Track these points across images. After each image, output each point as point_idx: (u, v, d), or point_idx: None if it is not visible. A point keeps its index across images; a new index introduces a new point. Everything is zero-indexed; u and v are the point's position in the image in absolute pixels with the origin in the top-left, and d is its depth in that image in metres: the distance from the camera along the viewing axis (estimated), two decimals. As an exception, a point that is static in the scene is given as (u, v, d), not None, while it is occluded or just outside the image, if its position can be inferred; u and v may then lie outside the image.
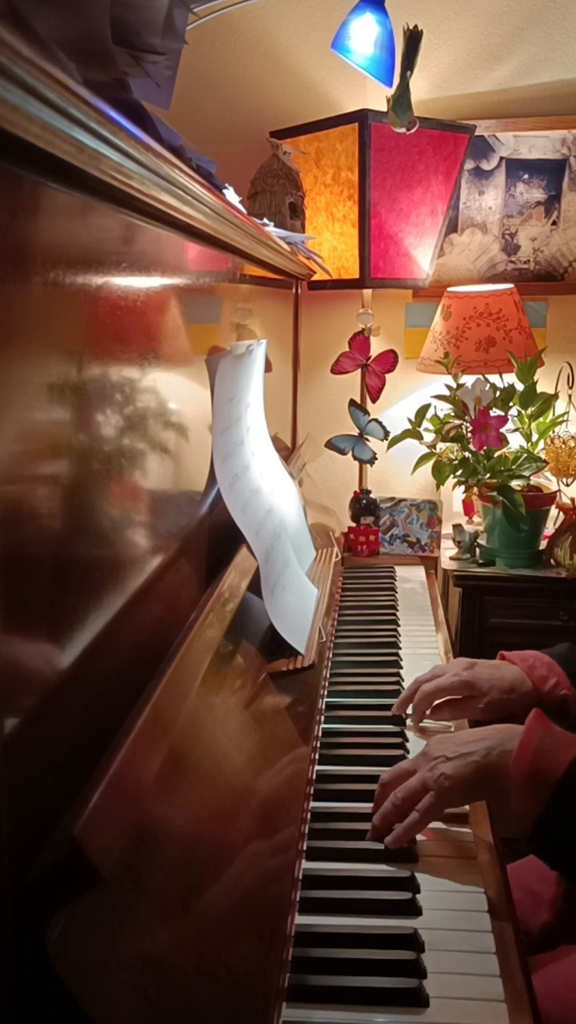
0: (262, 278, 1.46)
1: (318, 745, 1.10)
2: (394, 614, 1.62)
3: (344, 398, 2.08)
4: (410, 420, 1.92)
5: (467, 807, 0.96)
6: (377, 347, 2.06)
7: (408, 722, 1.18)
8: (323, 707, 1.20)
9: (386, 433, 2.01)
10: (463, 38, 2.13)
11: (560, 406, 1.99)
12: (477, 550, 2.07)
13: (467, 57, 2.14)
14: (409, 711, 1.19)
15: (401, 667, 1.37)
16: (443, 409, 1.92)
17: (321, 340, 2.26)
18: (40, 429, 0.49)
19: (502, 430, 1.79)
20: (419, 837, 0.92)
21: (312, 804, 0.98)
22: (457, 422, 1.87)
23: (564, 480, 2.06)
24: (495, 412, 1.81)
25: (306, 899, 0.83)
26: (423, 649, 1.46)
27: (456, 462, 1.86)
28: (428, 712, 1.16)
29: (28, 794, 0.47)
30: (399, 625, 1.56)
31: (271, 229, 1.36)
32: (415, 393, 2.32)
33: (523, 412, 1.93)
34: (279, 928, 0.72)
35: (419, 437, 1.91)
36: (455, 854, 0.90)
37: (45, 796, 0.49)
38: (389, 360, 2.05)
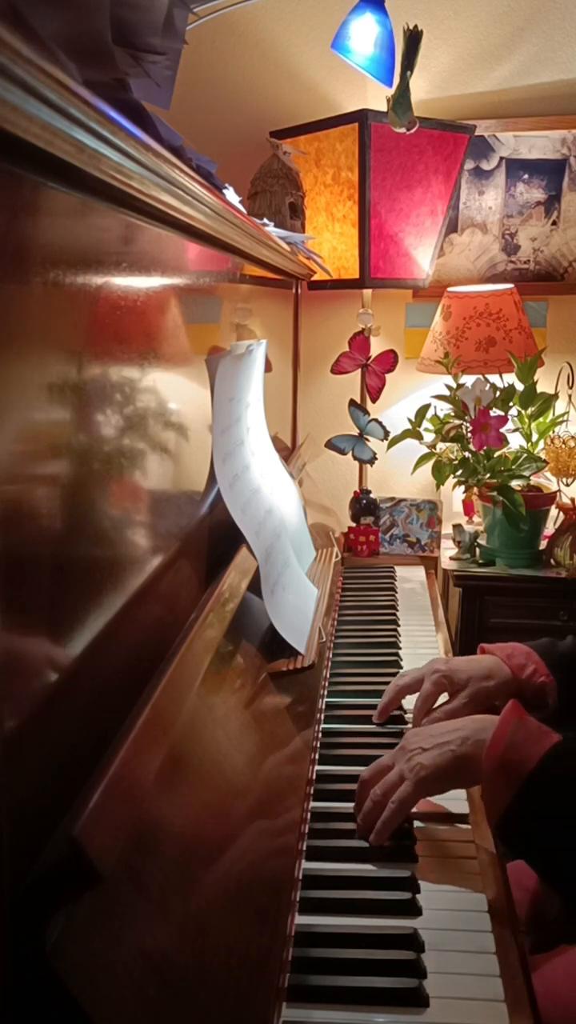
0: (262, 278, 1.46)
1: (318, 745, 1.10)
2: (394, 614, 1.62)
3: (344, 398, 2.08)
4: (410, 420, 1.92)
5: (467, 808, 0.96)
6: (377, 347, 2.06)
7: (409, 724, 1.18)
8: (323, 707, 1.20)
9: (386, 433, 2.01)
10: (463, 38, 2.13)
11: (560, 406, 1.99)
12: (477, 550, 2.07)
13: (467, 57, 2.14)
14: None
15: (401, 667, 1.37)
16: (443, 409, 1.92)
17: (321, 340, 2.26)
18: (40, 429, 0.49)
19: (502, 430, 1.79)
20: (417, 823, 0.92)
21: (312, 804, 0.98)
22: (457, 422, 1.87)
23: (564, 480, 2.06)
24: (495, 412, 1.81)
25: (306, 899, 0.83)
26: (423, 649, 1.46)
27: (456, 462, 1.86)
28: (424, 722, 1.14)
29: (28, 794, 0.47)
30: (399, 625, 1.56)
31: (271, 229, 1.36)
32: (415, 393, 2.32)
33: (523, 412, 1.93)
34: (279, 928, 0.72)
35: (419, 437, 1.91)
36: (455, 854, 0.90)
37: (45, 796, 0.49)
38: (389, 360, 2.05)
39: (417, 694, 1.15)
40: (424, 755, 0.89)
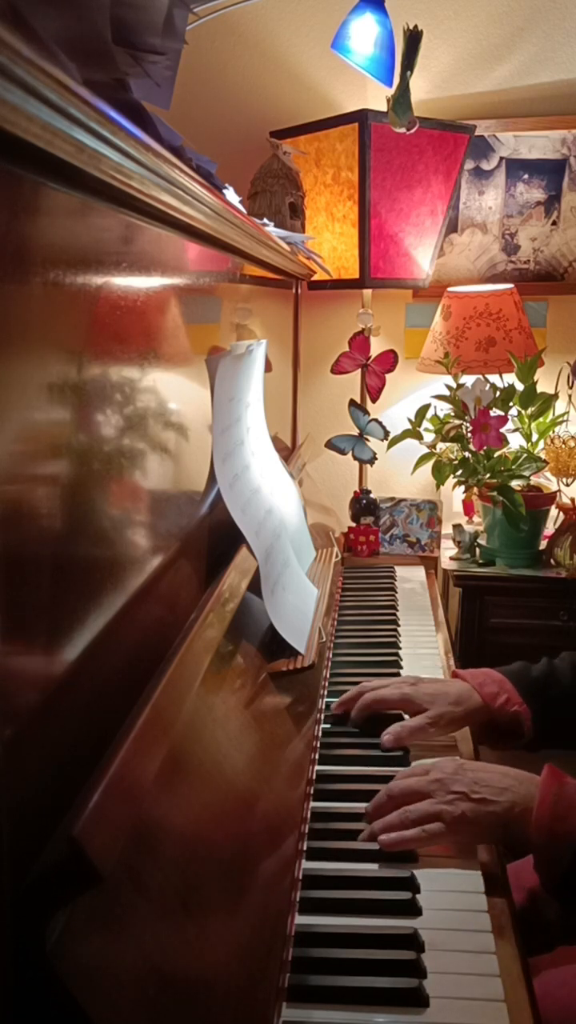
0: (262, 278, 1.46)
1: (318, 745, 1.10)
2: (394, 614, 1.62)
3: (344, 398, 2.08)
4: (410, 420, 1.92)
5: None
6: (377, 347, 2.06)
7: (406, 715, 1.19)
8: (323, 707, 1.20)
9: (386, 433, 2.01)
10: (463, 38, 2.13)
11: (560, 406, 1.99)
12: (477, 550, 2.07)
13: (467, 57, 2.14)
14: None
15: (401, 667, 1.37)
16: (443, 409, 1.92)
17: (321, 340, 2.26)
18: (40, 429, 0.49)
19: (502, 430, 1.79)
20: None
21: (312, 804, 0.98)
22: (457, 422, 1.87)
23: (564, 480, 2.06)
24: (495, 412, 1.81)
25: (306, 899, 0.83)
26: (423, 649, 1.46)
27: (456, 462, 1.86)
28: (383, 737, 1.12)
29: (28, 794, 0.47)
30: (399, 625, 1.56)
31: (271, 229, 1.36)
32: (415, 393, 2.32)
33: (523, 412, 1.93)
34: (279, 928, 0.72)
35: (419, 437, 1.91)
36: (455, 854, 0.90)
37: (45, 796, 0.49)
38: (389, 360, 2.05)
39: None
40: (468, 806, 0.89)
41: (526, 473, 1.86)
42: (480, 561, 2.05)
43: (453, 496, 2.26)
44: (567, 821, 0.86)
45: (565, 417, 1.98)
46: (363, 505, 2.04)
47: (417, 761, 1.07)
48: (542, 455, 1.97)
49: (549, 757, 1.00)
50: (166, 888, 0.57)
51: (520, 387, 1.92)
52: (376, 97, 2.03)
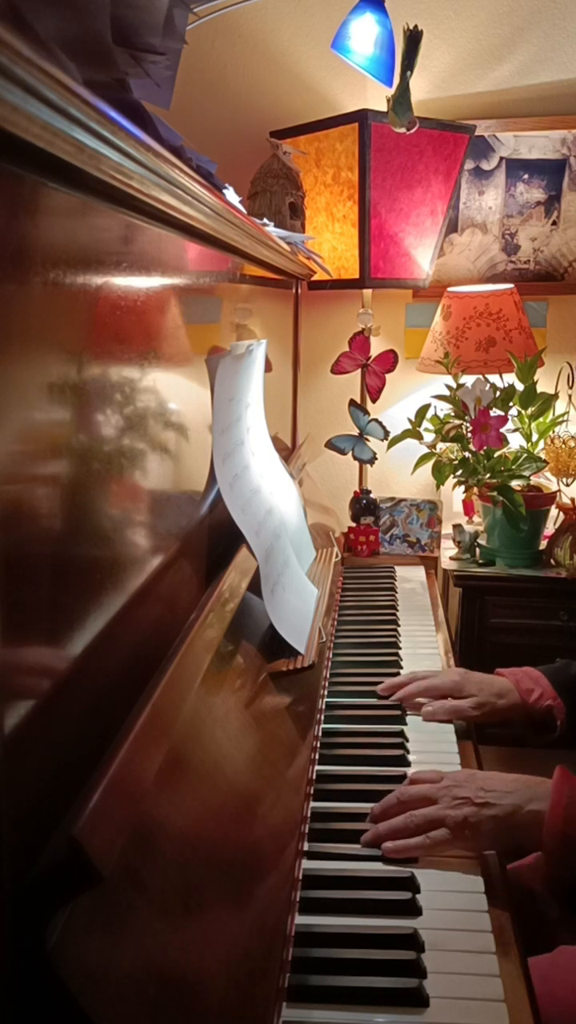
0: (262, 278, 1.46)
1: (318, 745, 1.10)
2: (394, 614, 1.62)
3: (344, 398, 2.08)
4: (410, 420, 1.92)
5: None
6: (377, 347, 2.06)
7: (407, 715, 1.22)
8: (323, 707, 1.20)
9: (386, 433, 2.01)
10: (463, 38, 2.13)
11: (560, 406, 1.99)
12: (477, 550, 2.07)
13: (467, 57, 2.14)
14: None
15: (401, 667, 1.37)
16: (443, 409, 1.92)
17: (321, 340, 2.26)
18: (40, 429, 0.49)
19: (502, 430, 1.79)
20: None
21: (312, 804, 0.98)
22: (457, 422, 1.86)
23: (564, 480, 2.06)
24: (495, 412, 1.81)
25: (306, 899, 0.83)
26: (423, 649, 1.46)
27: (456, 462, 1.86)
28: (425, 701, 1.22)
29: (28, 794, 0.47)
30: (399, 625, 1.56)
31: (271, 229, 1.36)
32: (415, 393, 2.32)
33: (523, 412, 1.93)
34: (279, 928, 0.72)
35: (419, 437, 1.91)
36: (455, 854, 0.90)
37: (45, 796, 0.49)
38: (389, 360, 2.04)
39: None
40: (471, 810, 0.89)
41: (526, 473, 1.86)
42: (480, 561, 2.05)
43: (453, 496, 2.26)
44: None
45: (565, 417, 1.98)
46: (363, 505, 2.04)
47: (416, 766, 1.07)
48: (542, 455, 1.97)
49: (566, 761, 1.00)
50: (166, 888, 0.57)
51: (520, 387, 1.92)
52: (376, 97, 2.03)
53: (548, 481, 2.08)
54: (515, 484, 1.83)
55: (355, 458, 2.05)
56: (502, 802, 0.90)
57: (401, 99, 1.68)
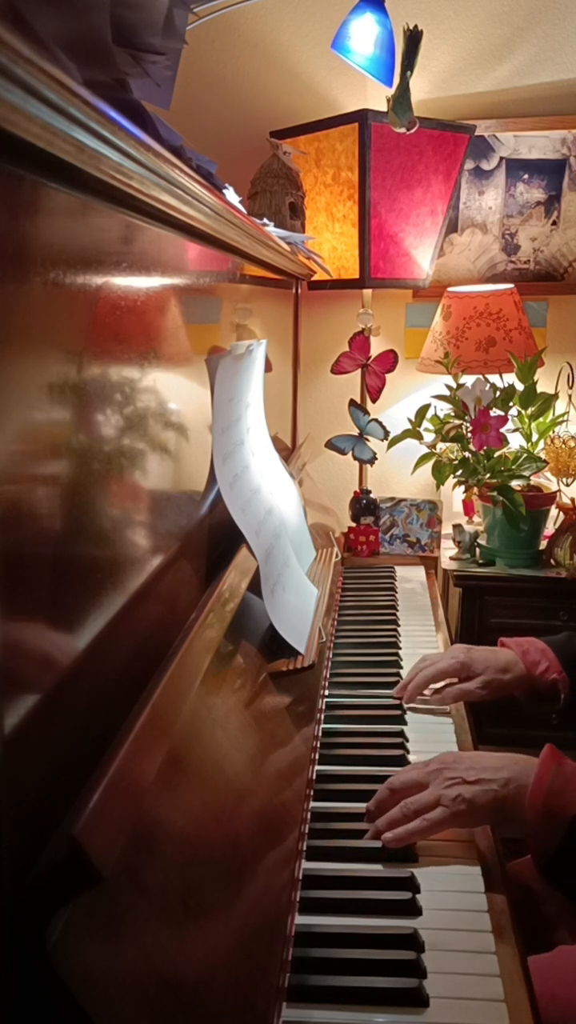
0: (262, 278, 1.46)
1: (318, 745, 1.10)
2: (394, 614, 1.62)
3: (344, 398, 2.08)
4: (410, 420, 1.92)
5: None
6: (377, 347, 2.06)
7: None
8: (323, 707, 1.20)
9: (386, 433, 2.01)
10: (463, 38, 2.13)
11: (560, 406, 1.99)
12: (477, 550, 2.07)
13: (467, 57, 2.14)
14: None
15: (401, 667, 1.37)
16: (443, 409, 1.92)
17: (321, 340, 2.26)
18: (40, 429, 0.49)
19: (502, 430, 1.79)
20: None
21: (312, 804, 0.98)
22: (457, 422, 1.86)
23: (564, 480, 2.06)
24: (495, 412, 1.81)
25: (306, 899, 0.83)
26: (423, 649, 1.46)
27: (456, 462, 1.86)
28: (428, 693, 1.24)
29: (28, 794, 0.47)
30: (399, 625, 1.56)
31: (271, 229, 1.36)
32: (415, 393, 2.32)
33: (523, 412, 1.93)
34: (279, 928, 0.72)
35: (419, 437, 1.91)
36: (455, 854, 0.90)
37: (45, 796, 0.49)
38: (389, 360, 2.04)
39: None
40: (465, 788, 0.90)
41: (526, 473, 1.85)
42: (480, 561, 2.05)
43: (453, 496, 2.26)
44: (562, 796, 0.87)
45: (565, 417, 1.98)
46: (363, 505, 2.04)
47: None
48: (542, 455, 1.97)
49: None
50: (166, 888, 0.57)
51: (520, 387, 1.92)
52: (376, 97, 2.03)
53: (548, 481, 2.08)
54: (515, 484, 1.83)
55: (355, 458, 2.05)
56: (495, 777, 0.90)
57: (401, 99, 1.68)
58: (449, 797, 0.90)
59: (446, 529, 2.14)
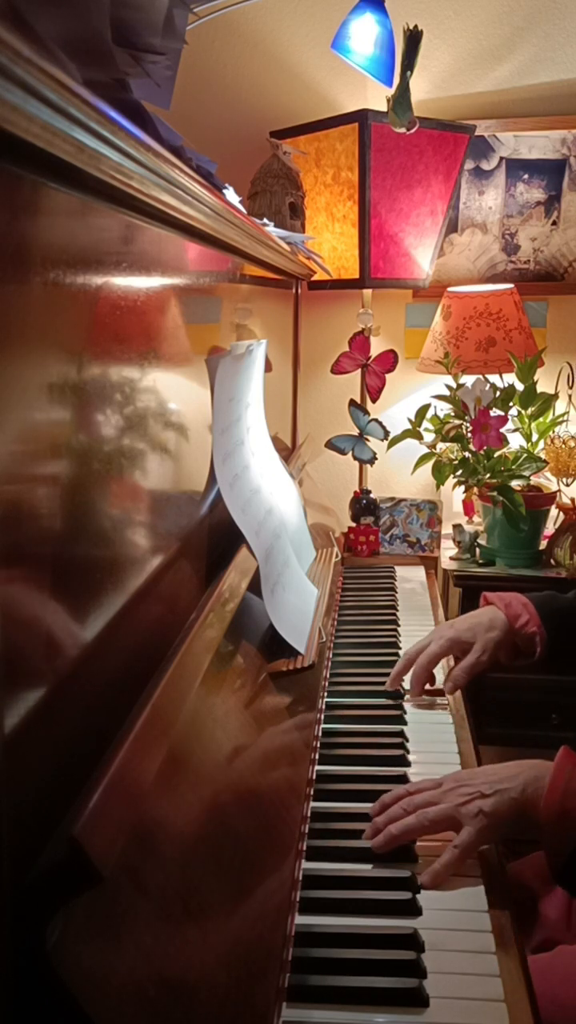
0: (262, 278, 1.46)
1: (318, 745, 1.10)
2: (394, 614, 1.62)
3: (344, 398, 2.08)
4: (410, 420, 1.92)
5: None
6: (377, 347, 2.06)
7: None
8: (323, 707, 1.20)
9: (386, 433, 2.01)
10: (463, 38, 2.13)
11: (560, 406, 1.99)
12: (477, 550, 2.07)
13: (467, 57, 2.14)
14: (406, 685, 1.26)
15: (401, 667, 1.37)
16: (443, 409, 1.92)
17: (321, 340, 2.26)
18: (40, 429, 0.49)
19: (502, 430, 1.79)
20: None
21: (312, 804, 0.98)
22: (457, 422, 1.86)
23: (564, 480, 2.06)
24: (495, 412, 1.81)
25: (306, 899, 0.83)
26: (423, 649, 1.46)
27: (456, 462, 1.86)
28: (429, 686, 1.24)
29: (28, 794, 0.47)
30: (399, 625, 1.56)
31: (271, 229, 1.36)
32: (415, 393, 2.32)
33: (523, 412, 1.93)
34: (279, 928, 0.72)
35: (419, 437, 1.91)
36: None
37: (45, 796, 0.49)
38: (389, 360, 2.04)
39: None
40: (485, 802, 0.88)
41: (526, 473, 1.85)
42: (480, 561, 2.05)
43: (453, 496, 2.26)
44: None
45: (565, 417, 1.98)
46: (363, 505, 2.04)
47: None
48: (542, 455, 1.97)
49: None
50: (166, 888, 0.57)
51: (520, 387, 1.92)
52: (376, 97, 2.03)
53: (548, 481, 2.08)
54: (515, 484, 1.83)
55: (355, 458, 2.05)
56: (512, 784, 0.89)
57: (401, 99, 1.68)
58: (470, 814, 0.87)
59: (446, 529, 2.14)
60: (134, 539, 0.69)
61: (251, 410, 1.21)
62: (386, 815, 0.91)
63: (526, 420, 1.94)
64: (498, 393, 1.85)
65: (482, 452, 1.82)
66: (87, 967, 0.46)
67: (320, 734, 1.13)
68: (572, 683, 1.77)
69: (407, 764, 1.08)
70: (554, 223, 2.22)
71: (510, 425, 1.84)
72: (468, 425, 1.83)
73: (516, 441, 1.96)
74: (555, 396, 1.94)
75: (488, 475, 1.83)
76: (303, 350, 2.11)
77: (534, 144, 2.17)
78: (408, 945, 0.76)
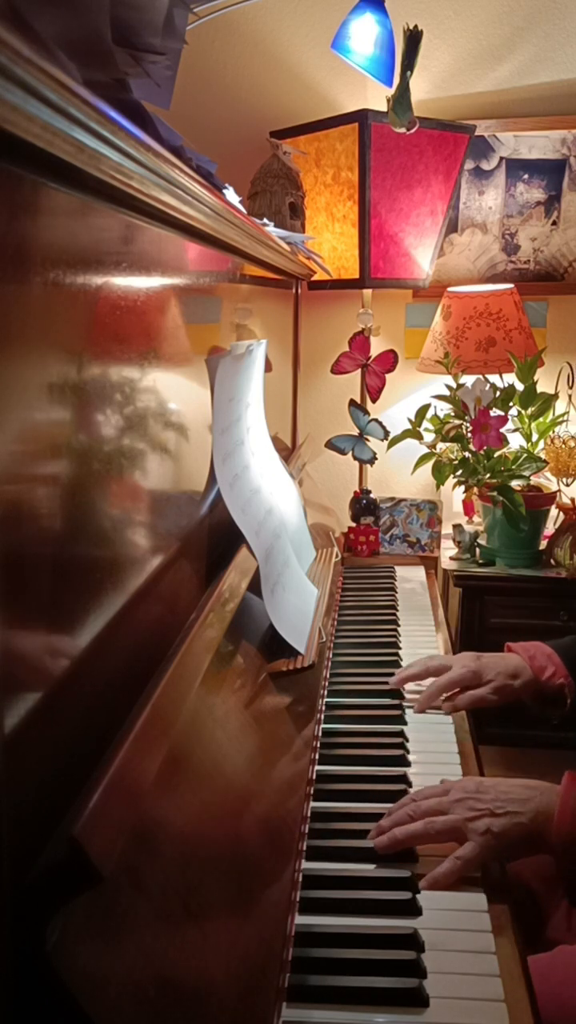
0: (262, 278, 1.46)
1: (318, 745, 1.10)
2: (394, 614, 1.62)
3: (344, 398, 2.08)
4: (410, 420, 1.92)
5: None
6: (377, 347, 2.06)
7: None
8: (323, 707, 1.20)
9: (386, 433, 2.01)
10: (463, 38, 2.13)
11: (560, 406, 1.99)
12: (477, 550, 2.07)
13: (467, 57, 2.14)
14: (410, 689, 1.28)
15: (401, 667, 1.37)
16: (443, 409, 1.92)
17: (321, 340, 2.26)
18: (40, 429, 0.49)
19: (502, 430, 1.79)
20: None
21: (312, 804, 0.98)
22: (457, 422, 1.86)
23: (564, 480, 2.06)
24: (495, 412, 1.81)
25: (306, 899, 0.83)
26: (423, 649, 1.46)
27: (456, 462, 1.86)
28: (441, 699, 1.24)
29: (28, 794, 0.47)
30: (399, 625, 1.56)
31: (271, 229, 1.36)
32: (415, 393, 2.32)
33: (523, 412, 1.93)
34: (279, 928, 0.72)
35: (419, 437, 1.91)
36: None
37: (45, 796, 0.49)
38: (389, 360, 2.04)
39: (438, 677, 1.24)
40: (495, 821, 0.88)
41: (526, 473, 1.86)
42: (480, 561, 2.05)
43: (453, 496, 2.26)
44: None
45: (565, 417, 1.98)
46: (363, 505, 2.04)
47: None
48: (542, 455, 1.97)
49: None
50: (166, 888, 0.57)
51: (520, 387, 1.92)
52: (376, 97, 2.03)
53: (548, 481, 2.08)
54: (515, 484, 1.83)
55: (355, 458, 2.05)
56: (524, 810, 0.89)
57: (401, 99, 1.68)
58: (478, 830, 0.87)
59: (446, 529, 2.14)
60: (134, 539, 0.69)
61: (251, 410, 1.21)
62: (391, 818, 0.91)
63: (526, 420, 1.94)
64: (498, 393, 1.85)
65: (482, 452, 1.82)
66: (87, 967, 0.46)
67: (320, 734, 1.13)
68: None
69: (407, 764, 1.08)
70: (554, 223, 2.22)
71: (510, 425, 1.84)
72: (468, 425, 1.83)
73: (516, 441, 1.96)
74: (555, 396, 1.95)
75: (488, 475, 1.84)
76: (303, 350, 2.11)
77: (534, 144, 2.17)
78: (408, 945, 0.76)
